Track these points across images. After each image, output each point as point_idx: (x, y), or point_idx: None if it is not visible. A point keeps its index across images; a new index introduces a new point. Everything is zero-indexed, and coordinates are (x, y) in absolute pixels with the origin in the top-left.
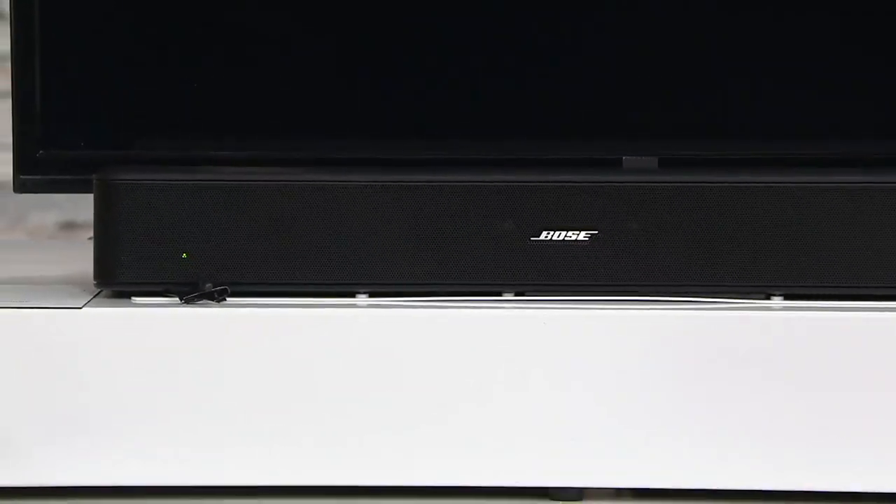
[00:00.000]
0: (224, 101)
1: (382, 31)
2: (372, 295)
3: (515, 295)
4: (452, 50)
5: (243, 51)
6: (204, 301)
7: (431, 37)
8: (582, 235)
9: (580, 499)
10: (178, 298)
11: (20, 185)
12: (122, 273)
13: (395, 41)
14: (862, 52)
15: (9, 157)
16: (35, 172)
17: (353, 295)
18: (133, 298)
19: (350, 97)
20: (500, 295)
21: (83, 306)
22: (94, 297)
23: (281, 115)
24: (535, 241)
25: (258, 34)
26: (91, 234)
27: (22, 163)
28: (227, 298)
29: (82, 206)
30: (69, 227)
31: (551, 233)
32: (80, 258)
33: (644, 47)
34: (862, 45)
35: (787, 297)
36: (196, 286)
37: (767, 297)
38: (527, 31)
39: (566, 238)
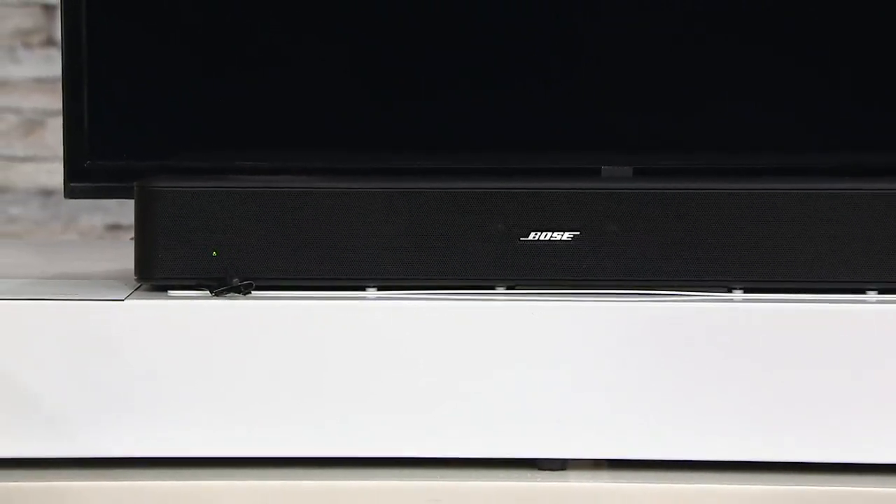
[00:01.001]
0: (249, 118)
1: (389, 64)
2: (380, 289)
3: (507, 288)
4: (451, 75)
5: (266, 76)
6: (232, 294)
7: (431, 66)
8: (566, 236)
9: (564, 468)
10: (208, 292)
11: (70, 192)
12: (159, 269)
13: (401, 71)
14: (815, 76)
15: (61, 167)
16: (83, 181)
17: (363, 289)
18: (169, 292)
19: (361, 116)
20: (493, 288)
21: (125, 299)
22: (135, 290)
23: (300, 131)
24: (524, 240)
25: (280, 63)
26: (132, 235)
27: (72, 172)
28: (253, 292)
29: (126, 210)
30: (115, 228)
31: (538, 233)
32: (124, 256)
33: (620, 74)
34: (815, 69)
35: (746, 291)
36: (225, 281)
37: (729, 291)
38: (518, 61)
39: (552, 238)
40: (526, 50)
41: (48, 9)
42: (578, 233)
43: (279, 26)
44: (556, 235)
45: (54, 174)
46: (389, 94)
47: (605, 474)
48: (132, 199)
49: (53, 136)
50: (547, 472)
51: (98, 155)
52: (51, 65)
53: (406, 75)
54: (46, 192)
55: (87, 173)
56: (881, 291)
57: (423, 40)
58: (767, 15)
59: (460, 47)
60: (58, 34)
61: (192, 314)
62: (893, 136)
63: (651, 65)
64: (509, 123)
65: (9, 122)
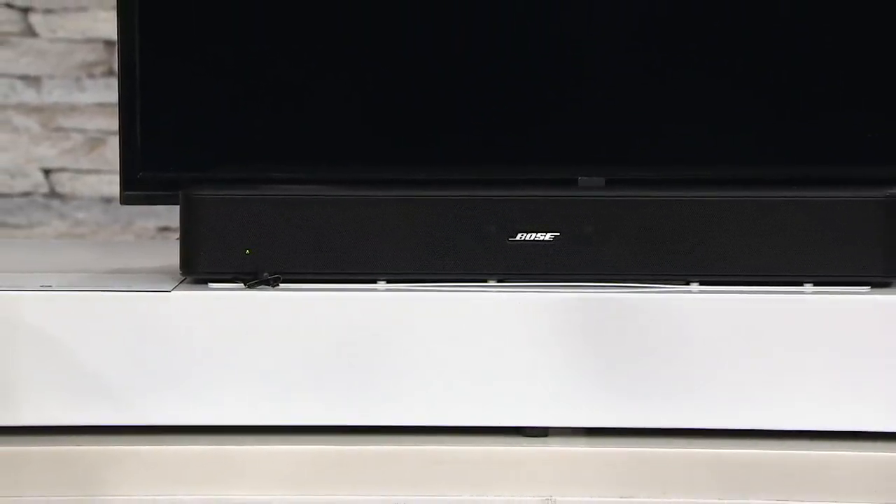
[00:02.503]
0: (278, 137)
1: (400, 96)
2: (389, 281)
3: (498, 281)
4: (452, 103)
5: (294, 102)
6: (262, 286)
7: (434, 96)
8: (548, 237)
9: (546, 435)
10: (242, 284)
11: (125, 199)
12: (200, 265)
13: (409, 100)
14: (762, 103)
15: (118, 178)
16: (136, 189)
17: (374, 281)
18: (209, 284)
19: (374, 136)
20: (486, 281)
21: (172, 290)
22: (180, 283)
23: (322, 148)
24: (513, 240)
25: (307, 92)
26: (179, 236)
27: (126, 182)
28: (280, 284)
29: (174, 215)
30: (164, 230)
31: (525, 234)
32: (171, 254)
33: (595, 102)
34: (763, 97)
35: (701, 283)
36: (256, 275)
37: (687, 283)
38: (508, 93)
39: (536, 238)
40: (515, 84)
41: (109, 45)
42: (558, 234)
43: (307, 63)
44: (540, 236)
45: (113, 184)
46: (398, 119)
47: (581, 440)
48: (178, 205)
49: (112, 152)
50: (531, 437)
51: (149, 168)
52: (111, 92)
53: (413, 103)
54: (107, 200)
55: (139, 183)
56: (816, 284)
57: (427, 76)
58: (719, 50)
59: (458, 82)
60: (116, 66)
61: (228, 303)
62: (825, 153)
63: (621, 94)
64: (500, 142)
65: (76, 141)
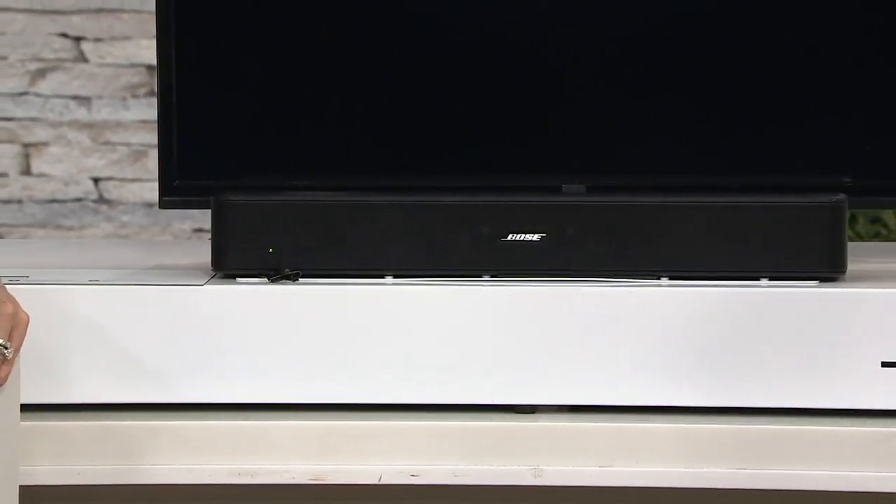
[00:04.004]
0: (298, 150)
1: (403, 115)
2: (395, 277)
3: (491, 276)
4: (449, 119)
5: (312, 120)
6: (284, 281)
7: (434, 112)
8: (535, 237)
9: (533, 411)
10: (266, 279)
11: (163, 204)
12: (229, 262)
13: (411, 117)
14: (727, 118)
15: (157, 185)
16: (173, 195)
17: (382, 277)
18: (237, 279)
19: (381, 149)
20: (481, 276)
21: (204, 284)
22: (212, 278)
23: (336, 160)
24: (504, 240)
25: (322, 112)
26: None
27: (164, 189)
28: (300, 279)
29: (207, 218)
30: (199, 231)
31: (514, 235)
32: (204, 252)
33: (577, 118)
34: (727, 113)
35: (671, 278)
36: (279, 271)
37: (658, 278)
38: (499, 109)
39: (524, 238)
40: (507, 104)
41: (150, 69)
42: (545, 234)
43: (323, 87)
44: (528, 237)
45: (153, 191)
46: (403, 135)
47: (565, 416)
48: (210, 209)
49: (153, 162)
50: (521, 414)
51: (184, 176)
52: (152, 110)
53: (416, 121)
54: (148, 205)
55: (176, 190)
56: (771, 278)
57: (429, 98)
58: (686, 74)
59: (457, 103)
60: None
61: (254, 296)
62: (779, 164)
63: (600, 112)
64: (493, 154)
65: (121, 153)
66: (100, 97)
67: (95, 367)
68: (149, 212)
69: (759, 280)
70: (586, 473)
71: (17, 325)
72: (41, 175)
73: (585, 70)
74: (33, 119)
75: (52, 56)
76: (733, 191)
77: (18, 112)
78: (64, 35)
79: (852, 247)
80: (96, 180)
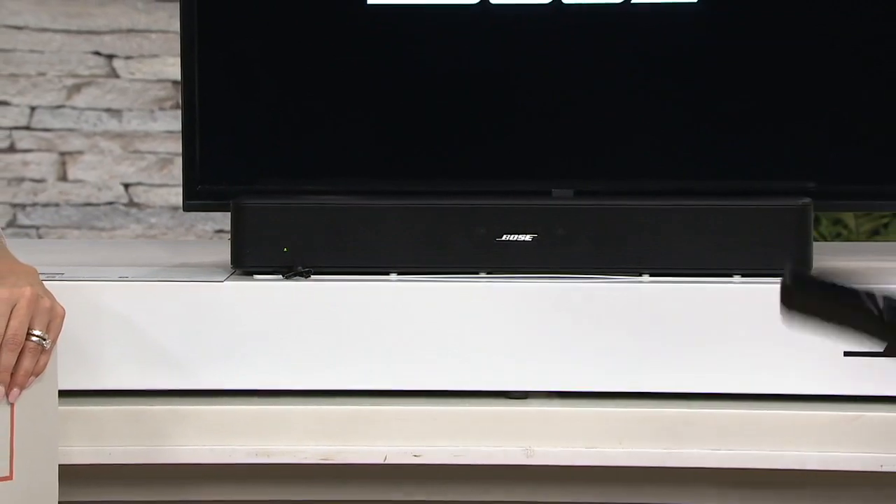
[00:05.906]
0: (310, 157)
1: (406, 127)
2: (399, 274)
3: (487, 273)
4: (448, 130)
5: (322, 131)
6: (297, 277)
7: (435, 124)
8: (528, 237)
9: (525, 397)
10: (281, 276)
11: (187, 207)
12: (247, 260)
13: (413, 128)
14: (705, 128)
15: (181, 190)
16: (196, 199)
17: (387, 274)
18: (254, 276)
19: (386, 157)
20: (477, 273)
21: (224, 280)
22: (231, 274)
23: (345, 167)
24: (499, 240)
25: (332, 124)
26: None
27: (188, 193)
28: (312, 276)
29: (227, 220)
30: (220, 232)
31: (508, 235)
32: (224, 251)
33: (566, 129)
34: (705, 123)
35: (651, 275)
36: (292, 268)
37: (640, 275)
38: (494, 121)
39: (517, 239)
40: (502, 116)
41: (176, 84)
42: (536, 235)
43: (332, 101)
44: (521, 237)
45: (179, 195)
46: (406, 144)
47: (554, 401)
48: (230, 212)
49: (178, 170)
50: (514, 399)
51: (206, 182)
52: (177, 122)
53: (418, 132)
54: (174, 208)
55: (198, 195)
56: (743, 275)
57: (430, 111)
58: (665, 89)
59: (455, 115)
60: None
61: (269, 291)
62: (750, 170)
63: (588, 123)
64: (489, 161)
65: (149, 161)
66: (130, 110)
67: (125, 357)
68: (174, 214)
69: (732, 277)
70: (574, 454)
71: (53, 319)
72: (76, 181)
73: (573, 86)
74: (69, 130)
75: (86, 72)
76: (709, 195)
77: (56, 123)
78: (97, 53)
79: (817, 246)
80: (126, 185)
